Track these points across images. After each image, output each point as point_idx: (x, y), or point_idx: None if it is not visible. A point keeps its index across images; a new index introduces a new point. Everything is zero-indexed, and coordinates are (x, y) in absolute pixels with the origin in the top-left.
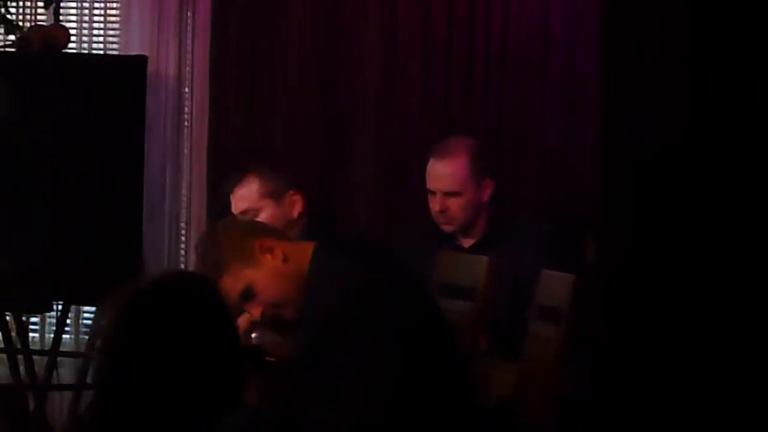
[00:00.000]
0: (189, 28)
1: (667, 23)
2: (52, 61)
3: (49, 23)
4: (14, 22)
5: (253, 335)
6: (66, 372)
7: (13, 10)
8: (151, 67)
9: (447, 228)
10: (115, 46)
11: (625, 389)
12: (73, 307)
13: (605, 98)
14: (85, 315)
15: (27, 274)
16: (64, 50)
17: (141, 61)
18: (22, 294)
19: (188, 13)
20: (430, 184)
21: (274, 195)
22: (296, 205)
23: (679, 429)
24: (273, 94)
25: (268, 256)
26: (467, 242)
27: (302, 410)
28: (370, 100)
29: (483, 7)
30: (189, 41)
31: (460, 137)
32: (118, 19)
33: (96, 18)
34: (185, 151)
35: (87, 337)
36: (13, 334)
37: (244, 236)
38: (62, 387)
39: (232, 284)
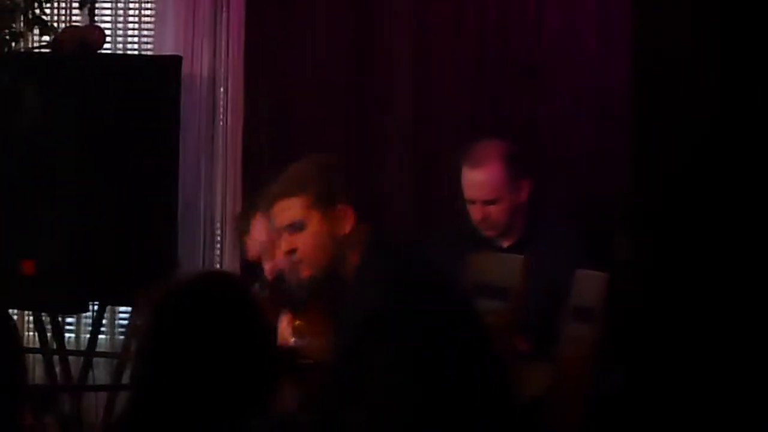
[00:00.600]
0: (223, 27)
1: (699, 26)
2: (86, 61)
3: (83, 24)
4: (49, 23)
5: (292, 339)
6: (101, 372)
7: (47, 11)
8: (185, 67)
9: (490, 234)
10: (149, 46)
11: (658, 389)
12: (108, 308)
13: (636, 100)
14: (121, 315)
15: (62, 274)
16: (98, 51)
17: (175, 61)
18: (58, 294)
19: (222, 12)
20: (469, 194)
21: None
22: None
23: (711, 429)
24: (307, 92)
25: (336, 221)
26: (506, 242)
27: (338, 412)
28: (404, 100)
29: (516, 13)
30: (223, 41)
31: (490, 141)
32: (152, 19)
33: (130, 18)
34: (220, 150)
35: (122, 337)
36: (49, 334)
37: (332, 189)
38: (98, 388)
39: (294, 208)
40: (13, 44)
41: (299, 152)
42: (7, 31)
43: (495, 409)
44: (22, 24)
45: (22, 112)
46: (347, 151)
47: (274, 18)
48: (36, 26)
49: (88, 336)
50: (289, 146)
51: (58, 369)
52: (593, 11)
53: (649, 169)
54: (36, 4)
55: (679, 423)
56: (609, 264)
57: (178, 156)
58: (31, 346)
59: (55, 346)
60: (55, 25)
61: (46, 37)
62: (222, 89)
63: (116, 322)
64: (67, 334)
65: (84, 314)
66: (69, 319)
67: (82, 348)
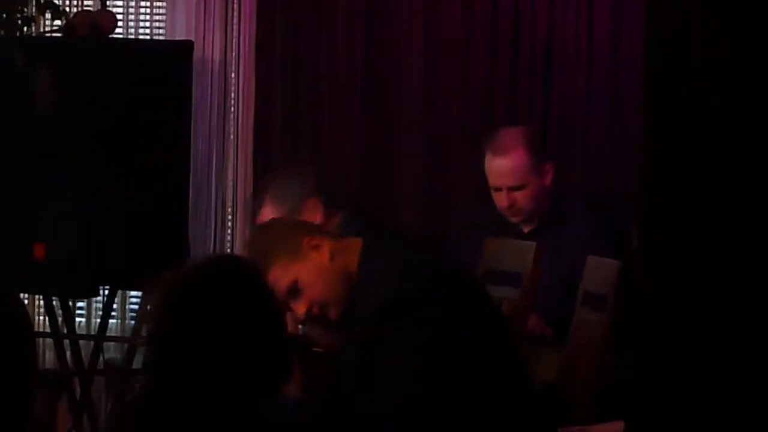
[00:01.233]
0: (235, 13)
1: (714, 13)
2: (98, 46)
3: (95, 8)
4: (61, 8)
5: (301, 326)
6: (112, 357)
7: None
8: (197, 52)
9: (515, 220)
10: (161, 31)
11: (669, 377)
12: (119, 292)
13: (649, 86)
14: (132, 300)
15: (73, 258)
16: (110, 35)
17: (187, 46)
18: (69, 279)
19: None
20: (494, 181)
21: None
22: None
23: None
24: (319, 79)
25: (315, 253)
26: (528, 228)
27: (349, 400)
28: (415, 85)
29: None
30: (235, 26)
31: (512, 127)
32: (164, 4)
33: (142, 3)
34: (231, 136)
35: (133, 322)
36: (60, 319)
37: (294, 233)
38: (108, 371)
39: (280, 278)
40: (25, 29)
41: (310, 137)
42: (18, 15)
43: (508, 394)
44: (33, 8)
45: (34, 97)
46: (358, 137)
47: (286, 2)
48: (48, 10)
49: (98, 320)
50: (300, 131)
51: (68, 353)
52: None
53: (663, 157)
54: None
55: (691, 410)
56: (627, 251)
57: (189, 141)
58: (41, 330)
59: (65, 331)
60: (67, 9)
61: (57, 22)
62: (233, 74)
63: (127, 306)
64: (77, 319)
65: (95, 299)
66: (80, 304)
67: (93, 332)
